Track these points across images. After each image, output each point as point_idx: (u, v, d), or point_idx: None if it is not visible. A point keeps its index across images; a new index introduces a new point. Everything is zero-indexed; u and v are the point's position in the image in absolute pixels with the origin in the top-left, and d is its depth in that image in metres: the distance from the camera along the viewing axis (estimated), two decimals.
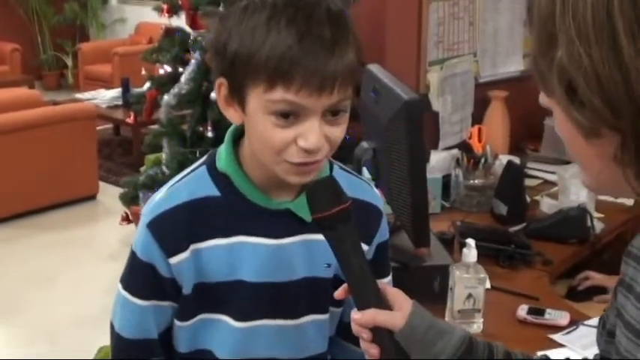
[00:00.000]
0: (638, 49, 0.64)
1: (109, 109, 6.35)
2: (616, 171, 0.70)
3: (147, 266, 1.12)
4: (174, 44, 3.67)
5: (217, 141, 1.18)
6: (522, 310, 1.85)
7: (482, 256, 1.83)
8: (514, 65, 3.18)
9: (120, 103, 6.36)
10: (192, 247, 1.11)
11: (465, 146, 2.78)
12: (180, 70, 3.58)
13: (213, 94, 3.17)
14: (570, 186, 2.48)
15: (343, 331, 1.23)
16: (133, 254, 1.15)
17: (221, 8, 3.30)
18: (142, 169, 3.93)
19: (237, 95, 1.05)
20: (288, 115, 1.01)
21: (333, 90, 1.00)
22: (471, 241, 1.76)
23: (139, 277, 1.15)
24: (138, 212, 3.80)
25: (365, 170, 1.97)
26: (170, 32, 3.74)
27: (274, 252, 1.13)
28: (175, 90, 3.47)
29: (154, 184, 3.57)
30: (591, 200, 2.46)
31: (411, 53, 2.82)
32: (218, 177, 1.13)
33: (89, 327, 3.50)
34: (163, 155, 3.61)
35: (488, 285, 1.87)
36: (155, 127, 3.84)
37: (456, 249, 2.10)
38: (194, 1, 3.44)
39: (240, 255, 1.12)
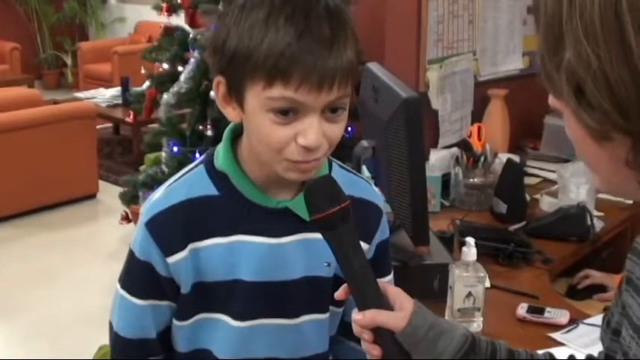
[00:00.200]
0: None
1: (108, 108, 6.35)
2: (628, 174, 0.69)
3: (145, 265, 1.12)
4: (173, 43, 3.67)
5: (217, 140, 1.17)
6: (522, 309, 1.85)
7: (482, 255, 1.83)
8: (514, 63, 3.17)
9: (119, 102, 6.37)
10: (191, 246, 1.11)
11: (464, 145, 2.77)
12: (180, 68, 3.58)
13: (212, 93, 3.17)
14: (570, 184, 2.48)
15: (346, 329, 1.23)
16: (131, 253, 1.14)
17: (220, 7, 3.29)
18: (142, 168, 3.93)
19: (236, 93, 1.04)
20: (287, 113, 1.00)
21: (332, 87, 0.99)
22: (470, 240, 1.76)
23: (137, 277, 1.15)
24: (138, 211, 3.80)
25: (364, 169, 1.97)
26: (169, 31, 3.74)
27: (273, 251, 1.13)
28: (175, 89, 3.47)
29: (153, 183, 3.57)
30: (591, 198, 2.45)
31: (411, 51, 2.81)
32: (216, 176, 1.13)
33: (89, 326, 3.50)
34: (163, 154, 3.61)
35: (487, 283, 1.87)
36: (155, 125, 3.84)
37: (456, 247, 2.10)
38: None
39: (238, 254, 1.12)
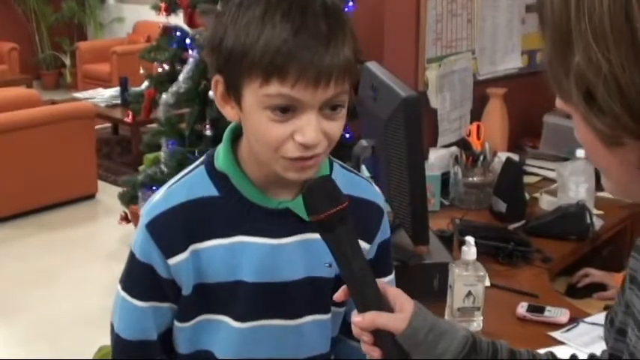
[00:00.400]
0: None
1: (107, 108, 6.35)
2: None
3: (146, 267, 1.12)
4: (172, 43, 3.67)
5: (216, 140, 1.17)
6: (522, 308, 1.85)
7: (482, 254, 1.83)
8: (512, 62, 3.17)
9: (118, 102, 6.36)
10: (192, 247, 1.11)
11: (463, 143, 2.77)
12: (179, 68, 3.58)
13: (211, 93, 3.16)
14: (569, 183, 2.48)
15: (347, 328, 1.23)
16: (131, 255, 1.14)
17: (219, 6, 3.29)
18: (141, 168, 3.92)
19: (234, 92, 1.04)
20: (285, 110, 1.00)
21: (329, 83, 0.99)
22: (470, 239, 1.76)
23: (138, 278, 1.15)
24: (137, 211, 3.80)
25: (364, 168, 1.97)
26: (168, 31, 3.74)
27: (274, 252, 1.13)
28: (174, 89, 3.47)
29: (152, 183, 3.57)
30: (590, 197, 2.45)
31: (409, 50, 2.81)
32: (217, 177, 1.12)
33: (88, 326, 3.50)
34: (162, 154, 3.60)
35: (487, 283, 1.87)
36: (154, 125, 3.84)
37: (455, 247, 2.10)
38: None
39: (239, 255, 1.12)
